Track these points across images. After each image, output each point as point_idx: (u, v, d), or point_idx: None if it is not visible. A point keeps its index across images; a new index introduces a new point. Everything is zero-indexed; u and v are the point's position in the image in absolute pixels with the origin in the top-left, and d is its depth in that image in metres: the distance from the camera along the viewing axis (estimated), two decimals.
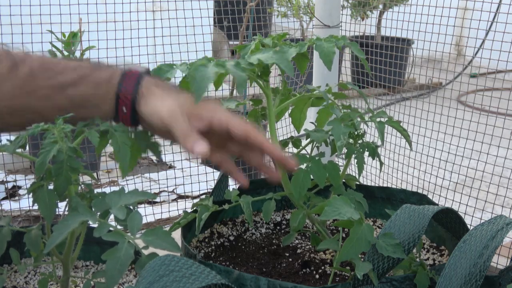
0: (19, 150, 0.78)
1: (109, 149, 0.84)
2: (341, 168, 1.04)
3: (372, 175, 2.00)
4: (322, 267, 1.02)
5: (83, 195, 0.79)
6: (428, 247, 1.12)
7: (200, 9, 1.98)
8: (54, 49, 2.13)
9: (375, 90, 2.22)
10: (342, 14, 2.05)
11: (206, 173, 1.98)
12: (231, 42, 3.63)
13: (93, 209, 0.73)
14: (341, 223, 0.88)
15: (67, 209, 0.80)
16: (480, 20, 1.74)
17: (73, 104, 0.82)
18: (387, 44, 2.20)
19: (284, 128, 2.21)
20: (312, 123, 1.14)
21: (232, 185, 1.26)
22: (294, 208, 1.23)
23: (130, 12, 1.86)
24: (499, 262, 1.51)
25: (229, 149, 0.92)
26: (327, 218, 0.84)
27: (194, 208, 1.07)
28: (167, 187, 2.04)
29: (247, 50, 1.00)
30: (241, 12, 2.39)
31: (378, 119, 0.99)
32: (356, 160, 1.00)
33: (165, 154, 2.18)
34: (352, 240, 0.82)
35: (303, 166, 0.98)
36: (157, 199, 2.12)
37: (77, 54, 2.18)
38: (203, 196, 1.08)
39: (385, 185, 1.91)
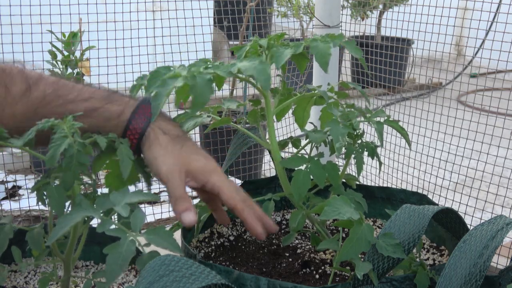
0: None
1: None
2: (341, 168, 1.04)
3: (372, 175, 2.00)
4: (322, 267, 1.02)
5: (87, 195, 0.80)
6: (428, 247, 1.12)
7: (200, 9, 1.98)
8: (54, 49, 2.13)
9: (375, 90, 2.22)
10: (342, 14, 2.05)
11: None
12: (231, 42, 3.63)
13: (96, 207, 0.74)
14: (341, 223, 0.88)
15: (70, 209, 0.80)
16: (480, 20, 1.74)
17: (82, 130, 0.82)
18: (387, 44, 2.20)
19: (284, 128, 2.21)
20: (311, 123, 1.14)
21: None
22: (294, 208, 1.23)
23: (130, 12, 1.86)
24: (499, 262, 1.51)
25: (211, 203, 0.98)
26: (327, 218, 0.84)
27: None
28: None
29: (242, 51, 1.00)
30: (241, 12, 2.39)
31: (376, 119, 0.99)
32: (355, 160, 1.00)
33: None
34: (352, 240, 0.82)
35: (303, 167, 0.98)
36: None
37: (77, 54, 2.18)
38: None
39: (385, 185, 1.91)
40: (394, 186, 1.48)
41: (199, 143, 2.49)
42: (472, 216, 1.62)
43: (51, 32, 1.94)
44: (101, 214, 0.72)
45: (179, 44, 1.93)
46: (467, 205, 1.63)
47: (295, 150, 1.10)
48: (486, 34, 1.85)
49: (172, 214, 1.99)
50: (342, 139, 0.93)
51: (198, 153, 0.90)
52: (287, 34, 1.07)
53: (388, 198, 1.21)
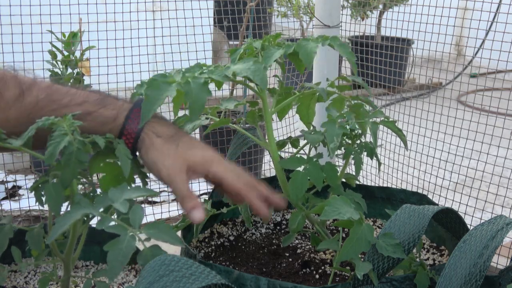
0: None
1: None
2: (340, 169, 1.04)
3: (372, 175, 2.00)
4: (322, 267, 1.02)
5: (86, 194, 0.80)
6: (428, 247, 1.12)
7: (200, 9, 1.98)
8: (54, 49, 2.13)
9: (375, 90, 2.22)
10: (342, 14, 2.05)
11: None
12: (231, 42, 3.63)
13: (95, 204, 0.74)
14: (341, 223, 0.88)
15: (69, 208, 0.80)
16: (480, 20, 1.74)
17: (75, 116, 0.83)
18: (387, 44, 2.20)
19: (284, 128, 2.21)
20: (310, 123, 1.13)
21: None
22: (294, 209, 1.23)
23: (130, 12, 1.86)
24: (499, 262, 1.51)
25: (217, 188, 0.96)
26: (327, 218, 0.84)
27: None
28: (167, 187, 2.04)
29: (236, 54, 1.00)
30: (241, 12, 2.39)
31: (371, 120, 0.99)
32: (354, 161, 1.00)
33: None
34: (352, 240, 0.82)
35: (301, 168, 0.98)
36: (157, 199, 2.12)
37: (77, 54, 2.18)
38: (203, 196, 1.09)
39: (385, 185, 1.91)
40: (394, 186, 1.49)
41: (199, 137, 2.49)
42: (472, 216, 1.62)
43: (51, 32, 1.94)
44: (101, 212, 0.72)
45: (179, 44, 1.93)
46: (467, 205, 1.63)
47: (294, 150, 1.10)
48: (486, 34, 1.85)
49: (172, 214, 1.99)
50: (337, 139, 0.93)
51: (194, 147, 0.91)
52: (287, 34, 1.07)
53: (388, 198, 1.21)
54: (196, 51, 1.96)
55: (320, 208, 0.93)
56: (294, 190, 0.96)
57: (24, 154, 2.29)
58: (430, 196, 1.22)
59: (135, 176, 0.88)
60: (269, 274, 0.99)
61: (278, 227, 1.19)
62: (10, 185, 2.23)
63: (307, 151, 1.08)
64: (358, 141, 1.01)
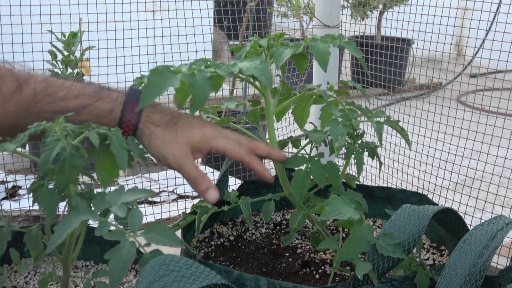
0: (19, 149, 0.78)
1: None
2: (341, 168, 1.04)
3: (372, 175, 2.00)
4: (322, 267, 1.02)
5: (82, 194, 0.79)
6: (428, 247, 1.12)
7: (200, 9, 1.98)
8: (54, 49, 2.13)
9: (375, 90, 2.22)
10: (342, 14, 2.05)
11: (206, 173, 1.98)
12: (231, 42, 3.63)
13: (93, 208, 0.73)
14: (341, 223, 0.88)
15: (66, 208, 0.80)
16: (480, 20, 1.74)
17: (75, 125, 0.83)
18: (387, 44, 2.20)
19: (284, 128, 2.21)
20: (311, 123, 1.13)
21: (232, 185, 1.26)
22: (294, 208, 1.23)
23: (130, 12, 1.86)
24: (499, 262, 1.51)
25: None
26: (327, 218, 0.84)
27: (193, 210, 1.06)
28: (167, 187, 2.04)
29: (242, 52, 1.00)
30: (241, 12, 2.39)
31: (376, 119, 0.99)
32: (355, 160, 1.00)
33: None
34: (352, 240, 0.82)
35: (303, 167, 0.98)
36: (157, 199, 2.12)
37: (77, 54, 2.18)
38: None
39: (385, 185, 1.91)
40: (394, 186, 1.48)
41: None
42: (472, 216, 1.62)
43: (51, 32, 1.94)
44: (99, 217, 0.72)
45: (179, 44, 1.93)
46: (467, 205, 1.63)
47: (295, 150, 1.10)
48: (486, 34, 1.85)
49: (172, 214, 1.99)
50: (341, 138, 0.93)
51: (193, 127, 0.93)
52: (287, 34, 1.07)
53: (388, 198, 1.21)
54: (196, 51, 1.96)
55: (320, 208, 0.93)
56: (297, 189, 0.97)
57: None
58: (430, 196, 1.22)
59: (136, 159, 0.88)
60: (269, 274, 0.99)
61: (278, 227, 1.19)
62: (10, 185, 2.23)
63: (308, 152, 1.08)
64: (360, 141, 1.01)
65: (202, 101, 0.84)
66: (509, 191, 1.61)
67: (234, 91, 2.58)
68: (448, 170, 1.75)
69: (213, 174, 1.98)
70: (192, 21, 1.93)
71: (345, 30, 2.10)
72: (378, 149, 1.03)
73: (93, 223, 0.77)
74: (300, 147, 1.10)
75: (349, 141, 1.01)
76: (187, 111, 1.01)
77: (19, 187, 2.23)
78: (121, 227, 0.71)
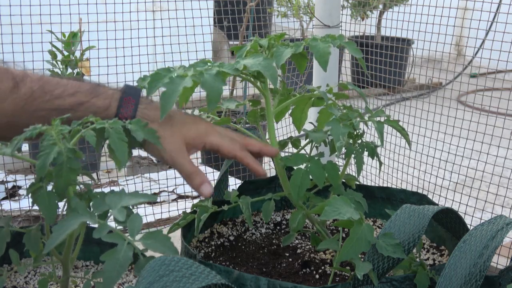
0: (16, 153, 0.78)
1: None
2: (341, 168, 1.04)
3: (372, 175, 2.00)
4: (322, 267, 1.02)
5: (81, 195, 0.79)
6: (428, 247, 1.12)
7: (200, 9, 1.98)
8: (54, 49, 2.13)
9: (375, 90, 2.22)
10: (342, 14, 2.05)
11: (206, 173, 1.97)
12: (231, 42, 3.63)
13: (92, 210, 0.73)
14: (341, 223, 0.88)
15: (65, 208, 0.80)
16: (480, 20, 1.74)
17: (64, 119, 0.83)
18: (387, 44, 2.20)
19: (284, 128, 2.21)
20: (311, 123, 1.13)
21: (232, 185, 1.26)
22: (294, 208, 1.23)
23: (130, 12, 1.86)
24: (499, 262, 1.51)
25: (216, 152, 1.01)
26: (327, 218, 0.84)
27: (194, 209, 1.06)
28: (167, 187, 2.04)
29: (242, 51, 1.00)
30: (241, 12, 2.39)
31: (377, 119, 0.99)
32: (355, 160, 1.00)
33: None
34: (352, 240, 0.82)
35: (302, 167, 0.98)
36: (157, 199, 2.12)
37: (77, 54, 2.18)
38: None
39: (385, 185, 1.91)
40: (394, 186, 1.48)
41: None
42: (472, 216, 1.62)
43: (51, 32, 1.94)
44: (98, 219, 0.71)
45: (179, 44, 1.93)
46: (467, 205, 1.63)
47: (295, 151, 1.10)
48: (486, 34, 1.85)
49: (172, 214, 1.99)
50: (342, 138, 0.93)
51: (187, 123, 0.94)
52: (287, 34, 1.07)
53: (388, 198, 1.21)
54: (196, 51, 1.96)
55: (320, 208, 0.93)
56: (296, 189, 0.97)
57: (24, 154, 2.30)
58: (430, 196, 1.22)
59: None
60: (269, 274, 0.99)
61: (278, 227, 1.19)
62: (10, 185, 2.23)
63: (308, 152, 1.08)
64: (359, 141, 1.01)
65: (218, 97, 0.85)
66: (509, 191, 1.61)
67: (234, 91, 2.58)
68: (448, 170, 1.75)
69: (213, 174, 1.98)
70: (192, 21, 1.93)
71: (345, 30, 2.10)
72: (378, 149, 1.03)
73: (93, 224, 0.77)
74: (300, 147, 1.10)
75: (349, 141, 1.01)
76: (187, 110, 1.02)
77: (19, 187, 2.23)
78: (121, 227, 0.70)
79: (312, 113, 1.13)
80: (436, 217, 0.99)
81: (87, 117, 0.80)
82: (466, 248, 0.77)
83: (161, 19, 1.96)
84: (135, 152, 2.56)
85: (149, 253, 0.71)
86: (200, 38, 1.98)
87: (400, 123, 1.03)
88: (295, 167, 0.99)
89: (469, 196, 1.62)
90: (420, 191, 1.31)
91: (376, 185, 1.82)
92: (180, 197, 2.18)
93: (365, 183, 1.73)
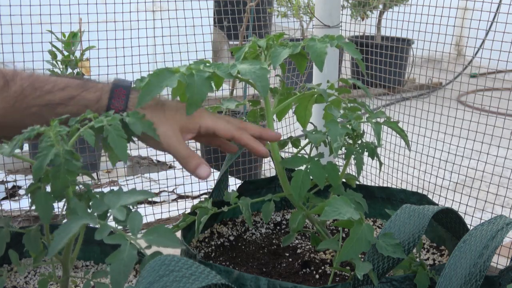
0: (17, 151, 0.77)
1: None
2: (341, 168, 1.04)
3: (372, 175, 2.00)
4: (322, 267, 1.02)
5: (81, 195, 0.79)
6: (428, 247, 1.12)
7: (200, 9, 1.98)
8: (54, 49, 2.13)
9: (375, 90, 2.22)
10: (342, 14, 2.05)
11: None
12: (231, 42, 3.63)
13: (92, 210, 0.73)
14: (341, 223, 0.88)
15: (65, 208, 0.80)
16: (480, 20, 1.74)
17: (63, 120, 0.83)
18: (387, 44, 2.20)
19: (284, 128, 2.21)
20: (311, 123, 1.13)
21: (232, 185, 1.26)
22: (294, 209, 1.23)
23: (130, 12, 1.86)
24: (499, 262, 1.51)
25: (214, 141, 1.00)
26: (327, 218, 0.84)
27: (193, 210, 1.06)
28: (167, 187, 2.04)
29: (241, 53, 1.00)
30: (241, 12, 2.39)
31: (374, 120, 0.99)
32: (355, 161, 1.00)
33: (165, 154, 2.19)
34: (352, 240, 0.82)
35: (302, 167, 0.98)
36: (157, 199, 2.12)
37: (77, 54, 2.18)
38: (203, 196, 1.08)
39: (385, 185, 1.91)
40: (394, 186, 1.48)
41: (199, 144, 2.49)
42: (472, 216, 1.62)
43: (51, 32, 1.94)
44: (98, 220, 0.71)
45: (179, 44, 1.93)
46: (467, 205, 1.63)
47: (295, 150, 1.10)
48: (486, 34, 1.85)
49: (172, 214, 1.99)
50: (340, 139, 0.93)
51: (179, 108, 0.93)
52: (287, 34, 1.07)
53: (388, 198, 1.21)
54: (196, 51, 1.96)
55: (320, 208, 0.93)
56: (296, 189, 0.96)
57: (24, 154, 2.30)
58: (430, 196, 1.22)
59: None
60: (269, 274, 0.99)
61: (278, 227, 1.19)
62: (10, 185, 2.23)
63: (308, 151, 1.08)
64: (359, 141, 1.01)
65: (199, 102, 0.85)
66: (509, 191, 1.61)
67: (234, 91, 2.58)
68: (448, 170, 1.75)
69: (213, 174, 1.98)
70: (192, 21, 1.93)
71: (345, 30, 2.10)
72: (378, 149, 1.03)
73: (93, 225, 0.77)
74: (300, 147, 1.10)
75: (349, 141, 1.01)
76: None
77: (19, 187, 2.23)
78: (121, 227, 0.70)
79: (316, 111, 1.12)
80: (436, 217, 0.99)
81: (85, 114, 0.80)
82: (466, 248, 0.77)
83: (161, 19, 1.96)
84: (135, 152, 2.56)
85: (153, 249, 0.71)
86: (200, 38, 1.98)
87: (400, 123, 1.03)
88: (295, 168, 0.99)
89: (469, 196, 1.62)
90: (420, 191, 1.31)
91: (376, 185, 1.82)
92: (180, 197, 2.18)
93: (365, 183, 1.73)
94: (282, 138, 1.12)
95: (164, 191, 2.13)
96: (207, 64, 0.90)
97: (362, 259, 0.82)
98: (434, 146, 1.78)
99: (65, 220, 0.72)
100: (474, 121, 1.68)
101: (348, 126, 0.96)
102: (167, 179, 1.99)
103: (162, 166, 2.58)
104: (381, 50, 2.13)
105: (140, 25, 1.93)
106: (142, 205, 2.05)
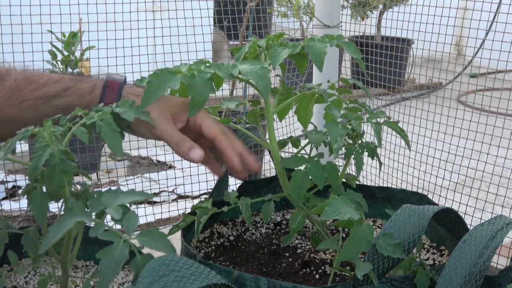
0: (10, 156, 0.77)
1: (109, 149, 0.85)
2: (341, 169, 1.04)
3: (372, 175, 2.00)
4: (322, 267, 1.02)
5: (78, 195, 0.79)
6: (428, 247, 1.12)
7: (200, 9, 1.98)
8: (54, 49, 2.13)
9: (375, 90, 2.22)
10: (342, 14, 2.06)
11: (206, 173, 1.98)
12: (231, 42, 3.63)
13: (89, 209, 0.73)
14: (341, 223, 0.88)
15: (62, 209, 0.80)
16: (480, 20, 1.75)
17: (57, 113, 0.84)
18: (387, 44, 2.20)
19: (284, 128, 2.21)
20: (311, 123, 1.13)
21: (232, 185, 1.26)
22: (294, 209, 1.23)
23: (130, 12, 1.86)
24: (499, 262, 1.51)
25: (201, 143, 0.97)
26: (327, 218, 0.84)
27: (193, 210, 1.06)
28: (167, 187, 2.04)
29: (241, 53, 1.00)
30: (241, 12, 2.39)
31: (375, 120, 0.99)
32: (355, 161, 0.99)
33: (165, 154, 2.19)
34: (352, 240, 0.82)
35: (302, 167, 0.98)
36: (157, 199, 2.12)
37: (77, 54, 2.18)
38: (203, 196, 1.08)
39: (385, 185, 1.91)
40: (394, 186, 1.48)
41: None
42: (472, 216, 1.62)
43: (51, 32, 1.94)
44: (94, 218, 0.71)
45: (179, 44, 1.94)
46: (467, 205, 1.63)
47: (295, 150, 1.09)
48: (486, 34, 1.85)
49: (172, 214, 2.00)
50: (340, 140, 0.93)
51: (172, 97, 0.94)
52: (287, 34, 1.07)
53: (388, 198, 1.21)
54: (196, 51, 1.96)
55: (320, 208, 0.93)
56: (296, 189, 0.96)
57: (24, 154, 2.30)
58: (430, 196, 1.22)
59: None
60: (269, 274, 0.99)
61: (278, 227, 1.19)
62: (10, 185, 2.23)
63: (308, 151, 1.07)
64: (359, 141, 1.01)
65: (202, 103, 0.84)
66: (509, 191, 1.61)
67: (234, 91, 2.58)
68: (448, 170, 1.75)
69: (213, 174, 1.97)
70: (192, 21, 1.93)
71: (345, 30, 2.10)
72: (378, 149, 1.02)
73: (92, 223, 0.77)
74: (300, 148, 1.10)
75: (349, 141, 1.01)
76: None
77: (19, 187, 2.23)
78: (119, 227, 0.70)
79: (317, 110, 1.12)
80: (436, 217, 0.99)
81: (75, 112, 0.80)
82: (466, 248, 0.77)
83: (161, 19, 1.96)
84: (135, 152, 2.56)
85: (146, 251, 0.71)
86: (200, 38, 1.98)
87: (400, 123, 1.03)
88: (295, 168, 0.99)
89: (469, 196, 1.62)
90: (420, 191, 1.31)
91: (376, 185, 1.82)
92: (180, 197, 2.18)
93: (365, 183, 1.73)
94: (282, 138, 1.12)
95: (164, 191, 2.14)
96: (208, 65, 0.90)
97: (362, 259, 0.82)
98: (434, 146, 1.79)
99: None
100: (474, 121, 1.68)
101: (348, 126, 0.96)
102: (167, 179, 1.99)
103: (162, 166, 2.58)
104: (381, 50, 2.13)
105: (140, 25, 1.93)
106: (142, 205, 2.05)
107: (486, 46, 1.76)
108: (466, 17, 2.08)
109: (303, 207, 1.01)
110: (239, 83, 2.51)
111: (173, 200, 2.15)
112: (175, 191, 2.18)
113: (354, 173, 1.05)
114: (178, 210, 2.04)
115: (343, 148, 0.98)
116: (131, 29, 1.89)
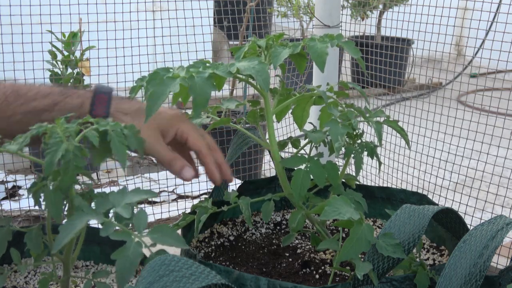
0: (25, 150, 0.78)
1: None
2: (340, 168, 1.04)
3: (372, 175, 2.00)
4: (322, 267, 1.02)
5: (83, 195, 0.79)
6: (428, 247, 1.12)
7: (200, 9, 1.98)
8: (54, 49, 2.13)
9: (375, 90, 2.23)
10: (342, 14, 2.06)
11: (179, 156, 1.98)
12: (231, 42, 3.63)
13: (95, 208, 0.73)
14: (341, 223, 0.88)
15: (66, 208, 0.80)
16: (480, 20, 1.75)
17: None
18: (387, 44, 2.20)
19: (284, 128, 2.21)
20: (310, 123, 1.13)
21: (232, 185, 1.26)
22: (294, 208, 1.23)
23: (130, 12, 1.86)
24: (499, 262, 1.51)
25: (182, 153, 1.00)
26: (327, 218, 0.84)
27: (193, 210, 1.06)
28: (167, 187, 2.04)
29: (241, 52, 1.00)
30: (241, 12, 2.39)
31: (375, 119, 0.99)
32: (354, 160, 0.99)
33: None
34: (352, 240, 0.82)
35: (302, 167, 0.98)
36: (157, 199, 2.12)
37: (77, 54, 2.18)
38: (203, 196, 1.08)
39: (385, 185, 1.91)
40: (394, 186, 1.49)
41: None
42: (472, 216, 1.62)
43: (51, 32, 1.94)
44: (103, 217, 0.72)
45: (179, 44, 1.94)
46: (467, 205, 1.63)
47: (294, 150, 1.09)
48: (486, 34, 1.85)
49: (172, 214, 1.99)
50: (341, 139, 0.93)
51: (160, 112, 0.94)
52: (287, 34, 1.07)
53: (388, 198, 1.21)
54: (196, 51, 1.96)
55: (320, 208, 0.93)
56: (296, 189, 0.96)
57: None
58: (430, 196, 1.22)
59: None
60: (269, 274, 0.99)
61: (278, 227, 1.19)
62: (10, 185, 2.23)
63: (307, 151, 1.08)
64: (359, 141, 1.01)
65: (205, 102, 0.85)
66: (509, 191, 1.61)
67: (234, 91, 2.58)
68: (448, 170, 1.75)
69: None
70: (192, 21, 1.93)
71: (345, 30, 2.10)
72: (378, 149, 1.02)
73: (93, 223, 0.77)
74: (299, 147, 1.10)
75: (349, 141, 1.01)
76: (188, 111, 1.02)
77: (19, 187, 2.23)
78: (124, 226, 0.71)
79: (313, 112, 1.13)
80: (436, 217, 0.99)
81: (86, 117, 0.80)
82: (466, 248, 0.77)
83: (161, 19, 1.96)
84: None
85: (157, 248, 0.71)
86: (200, 38, 1.98)
87: (400, 123, 1.03)
88: (295, 168, 0.99)
89: (469, 196, 1.62)
90: (420, 191, 1.31)
91: (376, 185, 1.82)
92: (180, 197, 2.18)
93: (365, 183, 1.73)
94: (281, 139, 1.12)
95: (164, 191, 2.14)
96: (206, 65, 0.90)
97: (362, 259, 0.82)
98: (434, 146, 1.79)
99: (65, 220, 0.73)
100: (474, 121, 1.68)
101: (348, 125, 0.96)
102: (167, 179, 1.99)
103: (162, 166, 2.58)
104: (381, 50, 2.13)
105: (140, 25, 1.93)
106: (142, 205, 2.05)
107: (486, 46, 1.77)
108: (466, 17, 2.08)
109: (303, 206, 1.01)
110: (239, 83, 2.51)
111: (173, 200, 2.15)
112: (175, 191, 2.18)
113: (353, 173, 1.05)
114: (178, 210, 2.04)
115: (342, 148, 0.98)
116: (131, 29, 1.89)
